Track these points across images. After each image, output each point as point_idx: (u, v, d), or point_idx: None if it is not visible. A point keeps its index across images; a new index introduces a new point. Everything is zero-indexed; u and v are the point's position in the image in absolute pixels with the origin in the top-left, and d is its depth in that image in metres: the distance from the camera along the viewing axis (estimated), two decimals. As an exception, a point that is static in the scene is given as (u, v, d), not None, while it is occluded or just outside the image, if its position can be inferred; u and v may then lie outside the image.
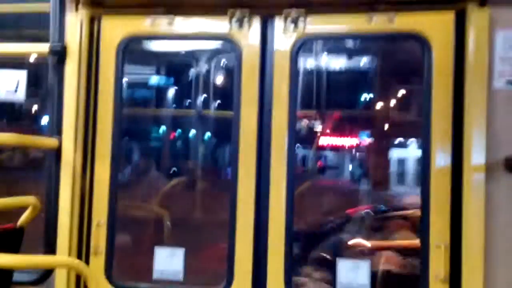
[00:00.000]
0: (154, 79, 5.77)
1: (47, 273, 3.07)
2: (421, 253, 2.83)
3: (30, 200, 2.96)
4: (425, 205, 2.83)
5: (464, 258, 2.69)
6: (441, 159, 2.82)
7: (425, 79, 2.87)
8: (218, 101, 5.50)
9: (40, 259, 2.53)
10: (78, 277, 3.11)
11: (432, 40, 2.84)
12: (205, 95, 5.41)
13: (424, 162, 2.85)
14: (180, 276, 3.11)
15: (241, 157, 3.02)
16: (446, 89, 2.82)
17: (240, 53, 3.04)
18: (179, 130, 6.00)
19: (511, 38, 2.76)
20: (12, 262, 2.27)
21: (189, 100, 5.64)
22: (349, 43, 4.09)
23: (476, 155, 2.70)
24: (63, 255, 2.97)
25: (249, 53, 3.03)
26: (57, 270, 3.03)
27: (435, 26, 2.84)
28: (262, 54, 3.03)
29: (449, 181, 2.80)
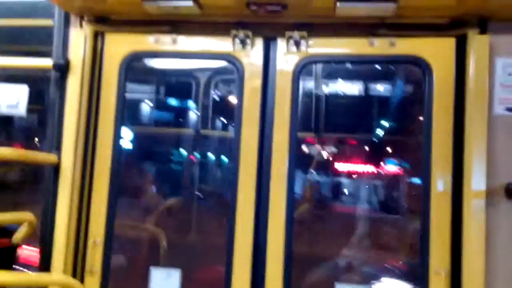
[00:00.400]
0: (155, 98, 5.78)
1: None
2: (421, 280, 2.80)
3: (26, 216, 2.93)
4: (425, 231, 2.81)
5: (465, 285, 2.65)
6: (441, 184, 2.81)
7: (425, 103, 2.89)
8: (220, 121, 5.51)
9: (35, 277, 2.48)
10: None
11: (433, 65, 2.86)
12: (206, 114, 5.41)
13: (424, 187, 2.84)
14: None
15: (241, 178, 3.00)
16: (447, 113, 2.83)
17: (242, 73, 3.06)
18: (179, 150, 5.99)
19: (511, 65, 2.79)
20: (5, 279, 2.22)
21: (189, 119, 5.63)
22: (350, 67, 4.11)
23: (476, 180, 2.69)
24: (58, 273, 2.91)
25: (251, 73, 3.05)
26: None
27: (436, 51, 2.87)
28: (264, 74, 3.04)
29: (449, 207, 2.79)
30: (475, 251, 2.64)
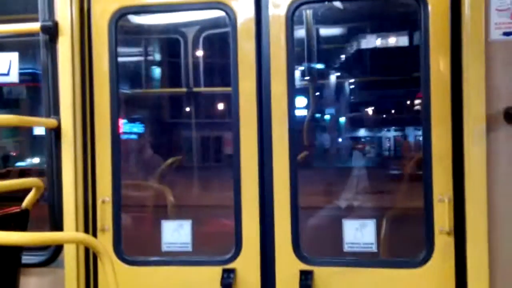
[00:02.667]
0: (145, 56, 5.69)
1: (55, 253, 3.08)
2: (425, 207, 2.87)
3: (33, 181, 2.95)
4: (427, 159, 2.87)
5: (468, 210, 2.72)
6: (441, 114, 2.84)
7: (422, 34, 2.87)
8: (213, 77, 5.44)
9: (50, 236, 2.53)
10: (87, 256, 3.13)
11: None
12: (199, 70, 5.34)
13: (424, 115, 2.87)
14: (188, 247, 3.14)
15: (242, 130, 3.01)
16: (444, 43, 2.82)
17: (235, 20, 3.01)
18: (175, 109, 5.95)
19: (506, -11, 2.75)
20: (22, 239, 2.26)
21: (181, 77, 5.57)
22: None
23: (475, 106, 2.70)
24: (72, 231, 2.97)
25: (243, 19, 3.00)
26: (66, 249, 3.03)
27: None
28: (257, 19, 3.00)
29: (450, 134, 2.83)
30: (477, 176, 2.69)
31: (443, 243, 2.82)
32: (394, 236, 3.38)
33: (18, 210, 2.92)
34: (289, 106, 2.99)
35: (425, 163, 2.88)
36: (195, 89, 5.53)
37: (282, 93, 2.99)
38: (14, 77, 3.28)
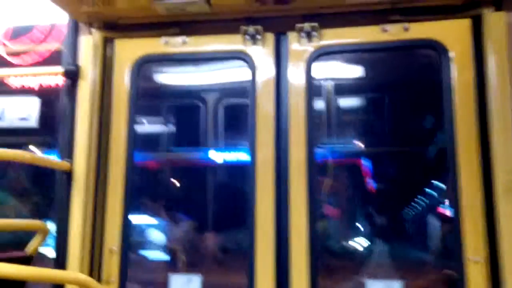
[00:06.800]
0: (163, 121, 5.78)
1: None
2: (458, 269, 2.63)
3: (37, 224, 2.83)
4: (457, 219, 2.66)
5: (504, 272, 2.49)
6: (470, 172, 2.68)
7: (445, 88, 2.80)
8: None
9: (51, 272, 2.36)
10: None
11: (450, 48, 2.80)
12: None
13: (452, 176, 2.71)
14: None
15: (259, 188, 2.88)
16: (468, 97, 2.74)
17: (255, 69, 3.01)
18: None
19: (530, 41, 2.71)
20: (22, 273, 2.11)
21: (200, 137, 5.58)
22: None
23: (505, 164, 2.57)
24: (74, 271, 2.78)
25: (264, 69, 2.99)
26: None
27: (451, 33, 2.81)
28: (277, 69, 2.99)
29: (481, 193, 2.66)
30: (510, 236, 2.50)
31: None
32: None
33: (22, 255, 2.78)
34: (308, 153, 2.87)
35: (455, 223, 2.67)
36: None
37: (301, 138, 2.88)
38: (33, 122, 3.30)
